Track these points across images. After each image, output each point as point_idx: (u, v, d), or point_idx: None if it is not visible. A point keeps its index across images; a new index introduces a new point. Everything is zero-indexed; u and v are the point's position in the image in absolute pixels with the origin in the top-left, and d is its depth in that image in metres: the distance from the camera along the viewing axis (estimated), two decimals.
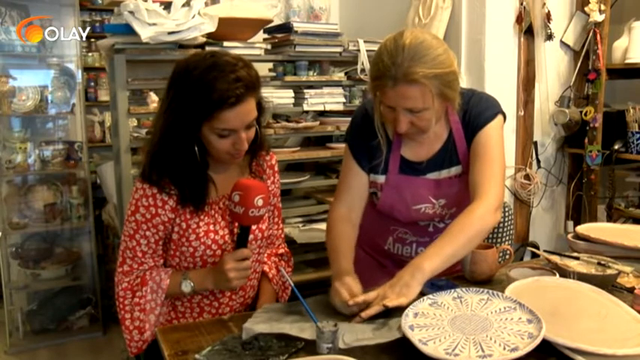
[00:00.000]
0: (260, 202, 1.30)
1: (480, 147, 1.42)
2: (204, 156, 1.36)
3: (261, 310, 1.31)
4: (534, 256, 1.68)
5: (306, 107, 2.63)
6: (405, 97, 1.29)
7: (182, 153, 1.33)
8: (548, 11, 2.66)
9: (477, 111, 1.44)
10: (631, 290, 1.35)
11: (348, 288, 1.27)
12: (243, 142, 1.32)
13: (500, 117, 1.46)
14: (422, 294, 1.28)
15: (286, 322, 1.22)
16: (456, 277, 1.53)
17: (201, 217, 1.39)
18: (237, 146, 1.32)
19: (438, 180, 1.49)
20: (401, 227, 1.57)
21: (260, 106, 1.37)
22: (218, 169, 1.42)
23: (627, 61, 2.64)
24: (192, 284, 1.37)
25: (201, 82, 1.25)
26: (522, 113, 2.74)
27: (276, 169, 1.58)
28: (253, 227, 1.42)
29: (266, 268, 1.59)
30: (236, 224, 1.41)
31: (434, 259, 1.26)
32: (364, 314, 1.20)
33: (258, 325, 1.21)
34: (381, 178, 1.51)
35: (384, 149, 1.48)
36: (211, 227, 1.40)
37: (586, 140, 2.69)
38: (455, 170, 1.49)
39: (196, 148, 1.33)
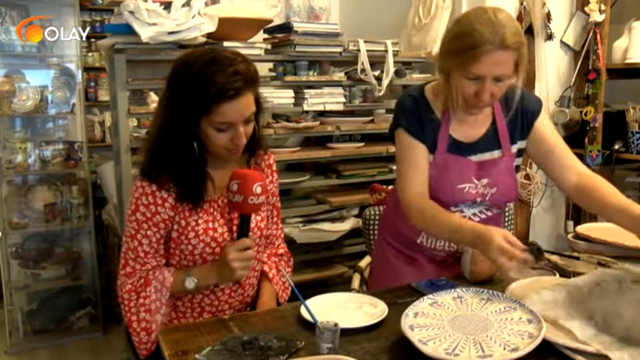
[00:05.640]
0: (259, 190, 1.31)
1: (549, 129, 1.59)
2: (202, 153, 1.36)
3: None
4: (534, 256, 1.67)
5: (306, 107, 2.63)
6: (499, 63, 1.37)
7: (181, 148, 1.33)
8: (548, 11, 2.66)
9: (526, 99, 1.58)
10: None
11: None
12: (242, 136, 1.32)
13: None
14: (422, 294, 1.29)
15: None
16: (455, 277, 1.53)
17: (200, 214, 1.39)
18: (236, 141, 1.32)
19: (481, 162, 1.56)
20: None
21: (258, 104, 1.38)
22: (216, 166, 1.42)
23: (627, 61, 2.64)
24: (195, 280, 1.36)
25: (200, 76, 1.26)
26: None
27: (274, 168, 1.58)
28: (252, 225, 1.42)
29: (266, 268, 1.59)
30: (235, 222, 1.42)
31: None
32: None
33: None
34: (429, 157, 1.56)
35: (439, 121, 1.54)
36: (210, 225, 1.40)
37: (586, 140, 2.69)
38: (497, 153, 1.57)
39: (195, 145, 1.33)
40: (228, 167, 1.44)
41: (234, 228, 1.42)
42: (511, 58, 1.39)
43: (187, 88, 1.28)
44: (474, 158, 1.56)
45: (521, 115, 1.57)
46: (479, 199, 1.57)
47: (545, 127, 1.58)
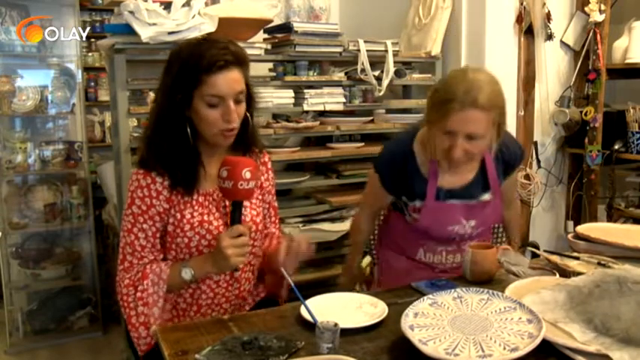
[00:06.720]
0: (248, 175, 1.32)
1: (511, 184, 1.80)
2: (195, 141, 1.39)
3: None
4: (534, 256, 1.68)
5: (306, 107, 2.63)
6: (469, 121, 1.42)
7: (175, 132, 1.36)
8: (548, 11, 2.66)
9: (512, 150, 1.68)
10: None
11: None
12: (233, 112, 1.34)
13: None
14: (422, 294, 1.29)
15: None
16: (455, 277, 1.53)
17: (195, 207, 1.41)
18: (227, 117, 1.34)
19: (469, 205, 1.65)
20: (430, 241, 1.70)
21: (250, 94, 1.40)
22: (210, 154, 1.43)
23: (627, 61, 2.64)
24: (192, 271, 1.37)
25: (191, 54, 1.33)
26: (522, 113, 2.74)
27: (269, 166, 1.60)
28: (247, 219, 1.42)
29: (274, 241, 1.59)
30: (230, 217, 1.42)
31: None
32: None
33: None
34: (417, 203, 1.65)
35: (425, 177, 1.62)
36: (205, 217, 1.41)
37: (586, 140, 2.69)
38: (486, 197, 1.66)
39: (189, 130, 1.36)
40: (221, 156, 1.44)
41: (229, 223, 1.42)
42: (485, 118, 1.43)
43: (180, 65, 1.33)
44: (464, 202, 1.65)
45: (503, 163, 1.67)
46: (466, 236, 1.68)
47: (513, 176, 1.78)
